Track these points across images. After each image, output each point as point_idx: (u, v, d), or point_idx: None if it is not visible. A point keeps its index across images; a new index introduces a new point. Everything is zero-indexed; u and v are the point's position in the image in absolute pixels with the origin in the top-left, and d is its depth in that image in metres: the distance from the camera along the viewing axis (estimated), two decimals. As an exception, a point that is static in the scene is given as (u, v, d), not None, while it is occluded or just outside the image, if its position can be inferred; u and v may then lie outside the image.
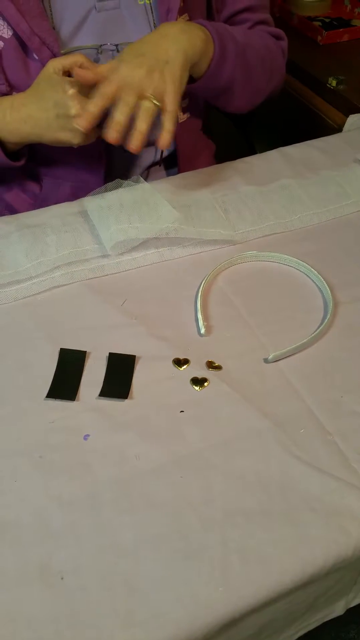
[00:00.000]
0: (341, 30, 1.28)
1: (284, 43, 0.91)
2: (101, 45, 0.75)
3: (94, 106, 0.66)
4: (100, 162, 0.82)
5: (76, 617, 0.44)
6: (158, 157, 0.89)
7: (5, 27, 0.70)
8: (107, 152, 0.82)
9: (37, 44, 0.70)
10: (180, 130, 0.84)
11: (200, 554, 0.47)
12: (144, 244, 0.74)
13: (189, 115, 0.84)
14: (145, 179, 0.91)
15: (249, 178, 0.85)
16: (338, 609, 0.59)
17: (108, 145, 0.82)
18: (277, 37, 0.90)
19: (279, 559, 0.47)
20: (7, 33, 0.71)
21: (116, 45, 0.76)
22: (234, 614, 0.45)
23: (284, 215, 0.79)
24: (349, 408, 0.58)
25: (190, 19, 0.79)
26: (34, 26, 0.69)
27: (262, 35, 0.87)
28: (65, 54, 0.74)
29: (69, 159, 0.83)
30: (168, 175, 0.94)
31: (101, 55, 0.76)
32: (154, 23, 0.77)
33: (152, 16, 0.77)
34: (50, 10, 0.72)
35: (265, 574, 0.46)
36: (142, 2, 0.76)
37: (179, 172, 0.90)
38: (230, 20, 0.87)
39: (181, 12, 0.77)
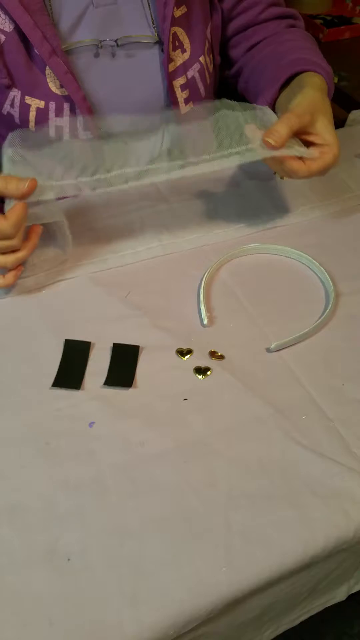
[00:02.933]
0: (342, 27, 1.29)
1: (302, 23, 0.91)
2: (101, 41, 0.76)
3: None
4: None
5: (83, 597, 0.45)
6: (157, 151, 0.89)
7: (7, 20, 0.71)
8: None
9: (38, 38, 0.71)
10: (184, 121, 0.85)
11: (203, 535, 0.48)
12: (147, 238, 0.75)
13: (192, 106, 0.85)
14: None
15: (251, 172, 0.86)
16: (340, 595, 0.60)
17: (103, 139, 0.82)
18: (293, 17, 0.90)
19: (280, 541, 0.48)
20: (8, 27, 0.71)
21: (115, 41, 0.77)
22: (237, 594, 0.46)
23: (286, 208, 0.80)
24: (349, 396, 0.59)
25: (189, 11, 0.80)
26: (35, 20, 0.70)
27: (306, 37, 0.87)
28: (65, 49, 0.75)
29: None
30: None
31: (101, 50, 0.77)
32: (152, 17, 0.78)
33: (150, 10, 0.78)
34: (50, 6, 0.73)
35: (268, 555, 0.47)
36: None
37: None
38: (240, 5, 0.86)
39: (178, 4, 0.77)
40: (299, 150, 0.68)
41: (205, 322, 0.66)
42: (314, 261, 0.72)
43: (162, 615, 0.45)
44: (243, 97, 0.91)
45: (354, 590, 0.60)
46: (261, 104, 0.77)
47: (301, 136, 0.69)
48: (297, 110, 0.68)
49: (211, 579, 0.46)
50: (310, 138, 0.69)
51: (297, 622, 0.59)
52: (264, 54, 0.85)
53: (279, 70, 0.78)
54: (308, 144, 0.69)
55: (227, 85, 0.96)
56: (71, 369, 0.61)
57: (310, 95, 0.70)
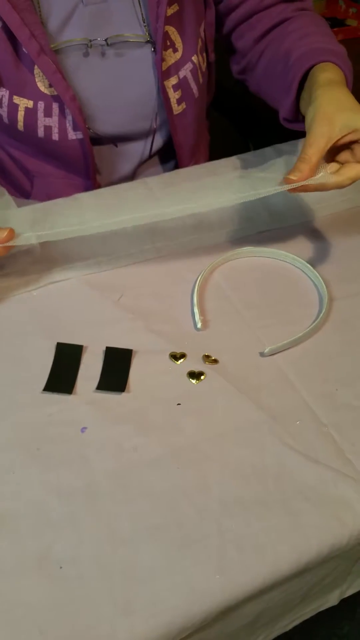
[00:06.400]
0: (335, 29, 1.30)
1: (310, 3, 0.86)
2: (91, 40, 0.75)
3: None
4: (86, 160, 0.82)
5: (74, 605, 0.45)
6: (147, 152, 0.89)
7: None
8: (91, 150, 0.82)
9: (26, 37, 0.70)
10: (177, 122, 0.85)
11: (197, 542, 0.48)
12: (140, 240, 0.74)
13: (184, 106, 0.84)
14: (135, 175, 0.91)
15: (244, 175, 0.86)
16: (332, 599, 0.60)
17: (94, 140, 0.82)
18: None
19: (274, 548, 0.48)
20: None
21: (106, 40, 0.76)
22: (231, 602, 0.46)
23: (280, 212, 0.80)
24: (343, 400, 0.59)
25: (181, 9, 0.78)
26: (23, 18, 0.69)
27: (313, 22, 0.82)
28: (54, 48, 0.74)
29: (56, 160, 0.83)
30: (163, 169, 0.94)
31: (91, 49, 0.76)
32: (143, 16, 0.77)
33: (141, 9, 0.77)
34: (38, 4, 0.73)
35: (261, 562, 0.47)
36: None
37: (179, 164, 0.90)
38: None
39: (170, 2, 0.76)
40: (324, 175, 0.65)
41: (199, 325, 0.65)
42: (308, 265, 0.72)
43: (155, 623, 0.44)
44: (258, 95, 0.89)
45: (346, 595, 0.60)
46: (282, 116, 0.78)
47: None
48: (311, 140, 0.63)
49: (204, 586, 0.46)
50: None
51: (289, 627, 0.59)
52: (271, 53, 0.81)
53: (289, 75, 0.74)
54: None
55: (224, 85, 0.96)
56: (63, 373, 0.61)
57: (321, 109, 0.65)
